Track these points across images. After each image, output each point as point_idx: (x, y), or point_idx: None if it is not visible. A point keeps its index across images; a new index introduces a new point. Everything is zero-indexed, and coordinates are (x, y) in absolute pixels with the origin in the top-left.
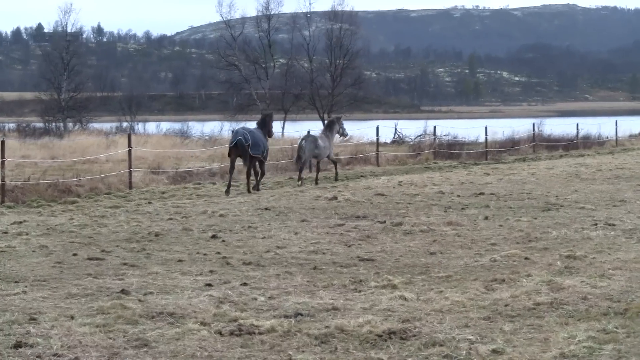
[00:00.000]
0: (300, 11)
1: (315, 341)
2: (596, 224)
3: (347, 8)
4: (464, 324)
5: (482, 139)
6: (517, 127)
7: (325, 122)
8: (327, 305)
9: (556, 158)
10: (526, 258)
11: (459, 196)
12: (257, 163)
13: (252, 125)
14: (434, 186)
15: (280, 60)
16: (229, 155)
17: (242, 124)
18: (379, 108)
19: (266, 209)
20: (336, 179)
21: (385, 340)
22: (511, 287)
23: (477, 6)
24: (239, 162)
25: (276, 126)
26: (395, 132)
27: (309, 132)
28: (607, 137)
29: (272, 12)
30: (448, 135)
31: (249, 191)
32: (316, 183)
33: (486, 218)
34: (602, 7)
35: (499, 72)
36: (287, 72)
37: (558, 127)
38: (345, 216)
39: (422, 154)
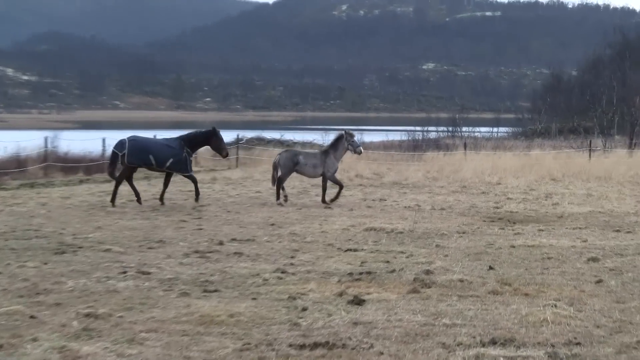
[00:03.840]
0: None
1: None
2: (125, 272)
3: None
4: None
5: None
6: (24, 142)
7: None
8: None
9: (75, 183)
10: (32, 317)
11: None
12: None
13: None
14: None
15: None
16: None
17: None
18: None
19: None
20: (324, 200)
21: None
22: (11, 355)
23: None
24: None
25: None
26: None
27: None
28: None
29: None
30: None
31: (139, 201)
32: (324, 201)
33: None
34: None
35: (2, 68)
36: None
37: (79, 143)
38: None
39: None
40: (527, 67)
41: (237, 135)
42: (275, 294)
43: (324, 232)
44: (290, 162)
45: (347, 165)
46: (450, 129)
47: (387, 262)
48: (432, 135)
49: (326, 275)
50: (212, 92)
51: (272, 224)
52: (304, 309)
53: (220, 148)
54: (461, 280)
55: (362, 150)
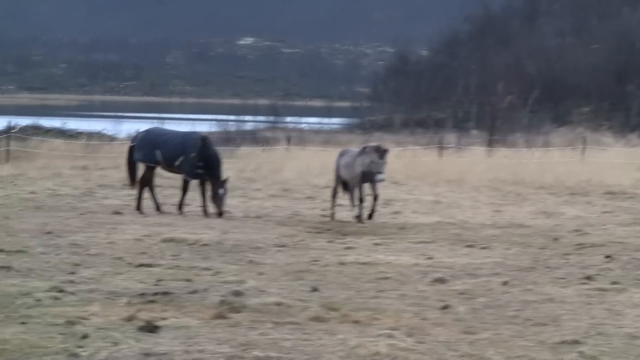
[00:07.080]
0: None
1: None
2: None
3: None
4: None
5: None
6: None
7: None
8: None
9: None
10: None
11: None
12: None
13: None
14: None
15: None
16: None
17: None
18: None
19: None
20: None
21: None
22: None
23: None
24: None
25: None
26: None
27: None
28: None
29: None
30: None
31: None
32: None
33: None
34: None
35: None
36: None
37: None
38: None
39: None
40: (367, 44)
41: (9, 123)
42: (50, 317)
43: (111, 243)
44: (336, 165)
45: None
46: (271, 119)
47: (189, 280)
48: (249, 126)
49: (113, 296)
50: None
51: (49, 232)
52: (85, 337)
53: (213, 193)
54: (278, 304)
55: (383, 179)
